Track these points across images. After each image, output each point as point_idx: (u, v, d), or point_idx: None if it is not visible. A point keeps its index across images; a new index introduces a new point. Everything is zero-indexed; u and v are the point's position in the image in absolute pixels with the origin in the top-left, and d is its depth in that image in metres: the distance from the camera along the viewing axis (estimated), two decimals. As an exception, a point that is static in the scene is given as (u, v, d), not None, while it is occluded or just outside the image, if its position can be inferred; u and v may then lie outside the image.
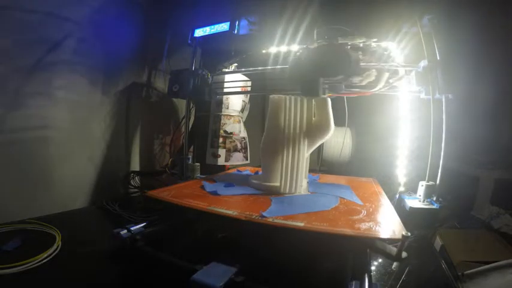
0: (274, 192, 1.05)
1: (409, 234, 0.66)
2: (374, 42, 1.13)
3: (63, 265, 0.84)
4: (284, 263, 0.77)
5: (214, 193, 1.02)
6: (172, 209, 0.92)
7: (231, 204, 0.90)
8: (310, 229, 0.71)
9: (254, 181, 1.15)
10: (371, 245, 0.73)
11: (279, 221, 0.75)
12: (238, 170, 1.61)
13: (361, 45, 1.13)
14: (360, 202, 0.98)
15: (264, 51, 1.44)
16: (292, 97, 1.09)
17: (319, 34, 1.15)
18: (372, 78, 1.10)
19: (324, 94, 1.06)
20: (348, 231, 0.70)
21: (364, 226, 0.73)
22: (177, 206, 0.90)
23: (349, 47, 1.09)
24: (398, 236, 0.67)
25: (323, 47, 1.06)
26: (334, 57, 1.00)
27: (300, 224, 0.72)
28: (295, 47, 1.36)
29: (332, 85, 1.08)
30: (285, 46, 1.40)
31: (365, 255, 0.73)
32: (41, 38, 1.25)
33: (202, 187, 1.11)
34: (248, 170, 1.58)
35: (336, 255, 0.75)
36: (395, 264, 0.91)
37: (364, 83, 1.11)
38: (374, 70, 1.10)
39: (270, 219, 0.75)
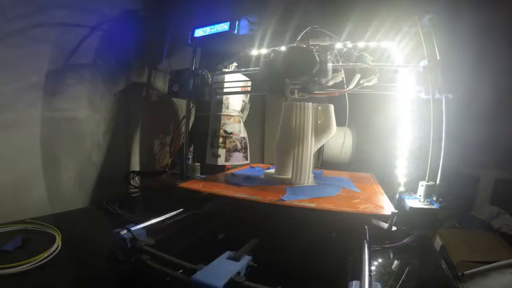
0: (287, 183, 1.22)
1: (396, 211, 0.83)
2: (346, 43, 1.16)
3: (63, 265, 0.84)
4: (285, 263, 0.78)
5: (237, 184, 1.18)
6: (202, 198, 1.08)
7: (253, 192, 1.06)
8: (320, 208, 0.88)
9: (269, 174, 1.34)
10: (368, 221, 0.92)
11: (296, 203, 0.92)
12: (251, 167, 1.75)
13: (350, 46, 1.15)
14: (358, 190, 1.15)
15: (264, 51, 1.44)
16: (302, 103, 1.25)
17: (304, 36, 1.17)
18: (339, 79, 1.15)
19: (293, 94, 1.13)
20: (349, 209, 0.88)
21: (362, 206, 0.91)
22: (211, 194, 1.07)
23: (315, 48, 1.11)
24: (388, 213, 0.84)
25: (290, 48, 1.13)
26: (300, 58, 1.08)
27: (312, 205, 0.90)
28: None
29: (304, 85, 1.12)
30: (283, 46, 1.40)
31: (364, 254, 0.73)
32: (44, 39, 1.26)
33: (225, 180, 1.30)
34: (260, 167, 1.74)
35: (341, 233, 0.90)
36: (395, 264, 0.92)
37: (330, 84, 1.13)
38: (342, 71, 1.15)
39: (288, 202, 0.93)
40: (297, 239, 0.88)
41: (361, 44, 1.19)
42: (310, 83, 1.10)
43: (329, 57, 1.11)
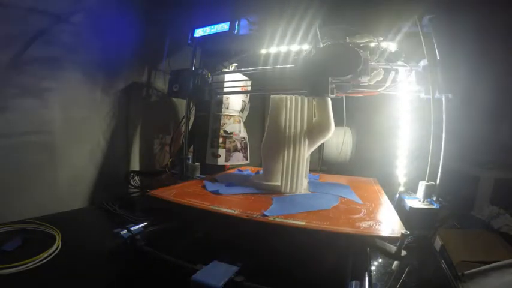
0: (275, 191, 1.07)
1: (408, 232, 0.67)
2: (380, 41, 1.13)
3: (63, 265, 0.84)
4: (284, 263, 0.77)
5: (216, 192, 1.03)
6: (174, 208, 0.92)
7: (232, 203, 0.91)
8: (311, 228, 0.72)
9: (255, 181, 1.16)
10: (371, 244, 0.74)
11: (280, 220, 0.76)
12: (239, 170, 1.62)
13: (372, 44, 1.13)
14: (359, 201, 0.99)
15: (263, 51, 1.44)
16: (293, 97, 1.09)
17: (324, 33, 1.14)
18: (380, 77, 1.11)
19: (333, 94, 1.07)
20: (348, 229, 0.71)
21: (364, 225, 0.74)
22: (179, 205, 0.90)
23: (361, 45, 1.10)
24: (397, 234, 0.68)
25: (332, 46, 1.06)
26: (344, 56, 1.01)
27: (301, 223, 0.73)
28: (295, 47, 1.36)
29: (339, 85, 1.08)
30: (285, 46, 1.40)
31: (365, 254, 0.73)
32: (43, 38, 1.25)
33: (204, 186, 1.12)
34: (249, 170, 1.60)
35: (335, 254, 0.75)
36: (395, 264, 0.91)
37: (372, 83, 1.11)
38: (381, 69, 1.11)
39: (271, 218, 0.77)
40: (282, 257, 0.75)
41: (384, 44, 1.17)
42: (352, 82, 1.05)
43: (369, 55, 1.06)
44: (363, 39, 1.12)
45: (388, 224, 0.76)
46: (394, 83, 1.13)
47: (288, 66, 1.34)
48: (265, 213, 0.80)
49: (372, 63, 1.10)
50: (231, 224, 0.82)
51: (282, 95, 1.11)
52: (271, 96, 1.14)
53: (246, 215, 0.79)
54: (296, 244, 0.74)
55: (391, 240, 0.70)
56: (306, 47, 1.30)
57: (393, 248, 0.69)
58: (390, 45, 1.18)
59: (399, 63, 1.19)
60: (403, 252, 0.68)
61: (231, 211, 0.82)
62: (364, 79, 1.07)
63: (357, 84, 1.12)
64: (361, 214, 0.84)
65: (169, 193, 1.00)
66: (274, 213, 0.81)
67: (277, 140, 1.10)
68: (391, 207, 0.94)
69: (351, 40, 1.11)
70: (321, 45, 1.11)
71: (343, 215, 0.84)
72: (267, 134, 1.15)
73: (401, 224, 0.75)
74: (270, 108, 1.14)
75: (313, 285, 0.73)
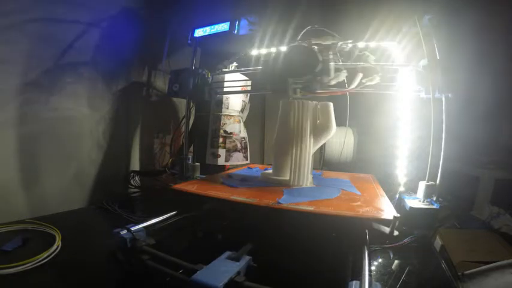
0: (284, 185, 1.18)
1: (398, 215, 0.79)
2: (348, 43, 1.16)
3: (63, 265, 0.84)
4: (285, 263, 0.78)
5: (233, 186, 1.15)
6: (198, 199, 1.02)
7: (249, 194, 1.02)
8: (318, 212, 0.84)
9: (267, 175, 1.29)
10: (368, 225, 0.86)
11: (293, 206, 0.88)
12: (249, 168, 1.69)
13: (350, 46, 1.15)
14: (358, 193, 1.11)
15: (264, 51, 1.44)
16: (300, 101, 1.20)
17: (305, 35, 1.16)
18: (342, 78, 1.14)
19: (296, 93, 1.13)
20: (349, 213, 0.84)
21: (362, 210, 0.86)
22: (204, 196, 1.02)
23: (316, 47, 1.11)
24: (390, 217, 0.80)
25: (292, 47, 1.12)
26: (302, 57, 1.07)
27: (310, 208, 0.86)
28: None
29: (306, 85, 1.12)
30: (285, 46, 1.40)
31: (364, 254, 0.73)
32: (43, 37, 1.26)
33: (221, 182, 1.23)
34: (258, 167, 1.68)
35: (339, 236, 0.85)
36: (395, 264, 0.91)
37: (333, 83, 1.13)
38: (344, 71, 1.14)
39: (285, 205, 0.89)
40: (294, 242, 0.85)
41: (361, 44, 1.19)
42: (312, 82, 1.09)
43: (331, 56, 1.10)
44: (328, 40, 1.13)
45: (382, 209, 0.88)
46: (361, 84, 1.14)
47: (258, 68, 1.39)
48: (280, 201, 0.92)
49: (333, 64, 1.12)
50: (251, 211, 0.92)
51: (291, 100, 1.22)
52: (281, 101, 1.26)
53: (264, 203, 0.91)
54: (306, 227, 0.85)
55: (385, 222, 0.82)
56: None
57: (387, 229, 0.81)
58: (369, 46, 1.19)
59: (399, 63, 1.20)
60: (396, 232, 0.81)
61: (250, 200, 0.94)
62: (325, 79, 1.09)
63: (322, 84, 1.13)
64: (359, 202, 0.96)
65: (192, 187, 1.12)
66: (287, 201, 0.92)
67: (286, 139, 1.21)
68: (385, 197, 1.04)
69: (316, 41, 1.13)
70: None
71: (345, 203, 0.95)
72: (277, 134, 1.27)
73: (394, 209, 0.88)
74: (280, 111, 1.27)
75: (313, 285, 0.73)
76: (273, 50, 1.43)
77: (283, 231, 0.87)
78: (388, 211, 0.86)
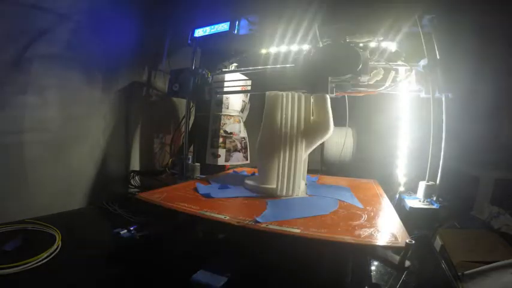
0: (271, 194, 1.01)
1: (413, 242, 0.61)
2: (380, 40, 1.14)
3: (63, 265, 0.84)
4: (284, 263, 0.77)
5: (208, 196, 0.97)
6: (164, 212, 0.87)
7: (224, 207, 0.87)
8: (306, 236, 0.66)
9: (250, 183, 1.10)
10: (372, 253, 0.70)
11: (274, 227, 0.70)
12: (235, 171, 1.58)
13: (372, 44, 1.14)
14: (360, 205, 0.94)
15: (264, 51, 1.44)
16: (290, 94, 1.04)
17: (323, 33, 1.15)
18: (380, 77, 1.12)
19: (333, 93, 1.07)
20: (347, 238, 0.65)
21: (364, 232, 0.69)
22: (167, 209, 0.85)
23: (361, 45, 1.10)
24: (401, 243, 0.62)
25: (332, 45, 1.06)
26: (344, 56, 1.02)
27: (296, 231, 0.68)
28: (295, 47, 1.36)
29: (339, 84, 1.09)
30: (285, 46, 1.40)
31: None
32: (43, 36, 1.25)
33: (196, 189, 1.07)
34: (245, 171, 1.55)
35: (334, 264, 0.72)
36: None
37: (371, 82, 1.12)
38: (381, 69, 1.11)
39: (264, 225, 0.71)
40: (281, 263, 0.72)
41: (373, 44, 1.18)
42: (352, 80, 1.06)
43: (369, 55, 1.07)
44: (363, 38, 1.12)
45: (390, 231, 0.70)
46: (394, 82, 1.13)
47: (288, 65, 1.34)
48: (258, 219, 0.73)
49: (372, 63, 1.11)
50: (222, 230, 0.78)
51: (278, 92, 1.05)
52: (267, 93, 1.08)
53: (237, 221, 0.73)
54: (291, 253, 0.70)
55: (393, 249, 0.64)
56: (306, 47, 1.31)
57: (396, 258, 0.63)
58: (390, 45, 1.18)
59: (399, 62, 1.19)
60: (407, 263, 0.62)
61: (221, 216, 0.76)
62: (364, 78, 1.08)
63: (357, 84, 1.13)
64: (361, 220, 0.79)
65: (159, 196, 0.95)
66: (268, 219, 0.75)
67: (273, 139, 1.03)
68: (394, 213, 0.88)
69: (351, 39, 1.11)
70: (321, 45, 1.11)
71: (343, 221, 0.78)
72: (262, 133, 1.08)
73: (405, 231, 0.69)
74: (265, 105, 1.07)
75: (313, 285, 0.73)
76: (272, 50, 1.43)
77: (264, 254, 0.73)
78: (399, 234, 0.68)
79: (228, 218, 0.76)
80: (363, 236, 0.67)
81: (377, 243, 0.64)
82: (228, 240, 0.81)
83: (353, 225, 0.74)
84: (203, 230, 0.93)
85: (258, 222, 0.72)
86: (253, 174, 1.37)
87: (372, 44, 1.14)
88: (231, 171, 1.62)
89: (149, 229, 0.88)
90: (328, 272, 0.72)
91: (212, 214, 0.78)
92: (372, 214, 0.85)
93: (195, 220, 0.80)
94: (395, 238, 0.65)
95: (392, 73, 1.11)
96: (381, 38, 1.15)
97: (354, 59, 1.00)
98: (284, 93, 1.04)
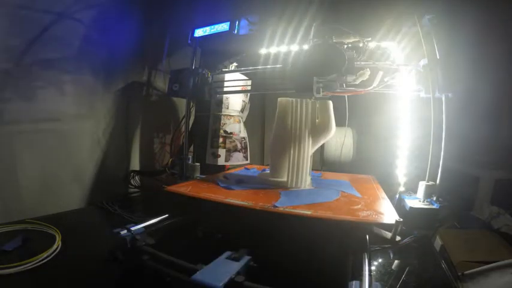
0: (282, 186, 1.15)
1: (401, 219, 0.76)
2: (368, 41, 1.15)
3: (63, 265, 0.84)
4: (284, 263, 0.78)
5: (229, 188, 1.11)
6: (191, 202, 0.99)
7: (244, 197, 1.00)
8: (316, 216, 0.81)
9: (263, 177, 1.25)
10: (369, 230, 0.82)
11: (290, 210, 0.85)
12: (246, 168, 1.67)
13: (360, 44, 1.14)
14: (358, 195, 1.08)
15: (264, 51, 1.44)
16: (299, 100, 1.18)
17: (316, 33, 1.15)
18: (366, 77, 1.13)
19: (319, 93, 1.10)
20: (349, 217, 0.81)
21: (362, 214, 0.84)
22: (196, 199, 0.99)
23: (345, 46, 1.11)
24: (392, 221, 0.77)
25: (317, 46, 1.09)
26: (328, 56, 1.05)
27: (308, 212, 0.83)
28: (295, 47, 1.36)
29: (327, 84, 1.10)
30: (285, 46, 1.40)
31: (365, 254, 0.73)
32: (43, 36, 1.26)
33: (217, 183, 1.20)
34: (255, 168, 1.66)
35: (338, 242, 0.81)
36: (395, 264, 0.91)
37: (357, 82, 1.12)
38: (367, 69, 1.12)
39: (281, 209, 0.86)
40: (293, 244, 0.82)
41: (384, 43, 1.19)
42: (337, 81, 1.07)
43: (355, 55, 1.08)
44: (349, 39, 1.13)
45: (383, 213, 0.85)
46: (382, 83, 1.13)
47: (278, 66, 1.38)
48: (276, 204, 0.89)
49: (358, 63, 1.12)
50: (245, 215, 0.89)
51: (289, 98, 1.19)
52: (279, 99, 1.21)
53: (259, 206, 0.88)
54: (303, 232, 0.82)
55: (386, 227, 0.79)
56: (306, 47, 1.31)
57: (389, 234, 0.78)
58: (388, 46, 1.18)
59: (399, 62, 1.19)
60: (398, 238, 0.77)
61: (245, 203, 0.91)
62: (350, 78, 1.09)
63: (347, 83, 1.13)
64: (360, 205, 0.92)
65: (185, 189, 1.08)
66: (284, 204, 0.89)
67: (284, 139, 1.18)
68: (387, 200, 1.01)
69: (338, 40, 1.12)
70: (308, 46, 1.13)
71: (344, 206, 0.92)
72: (275, 133, 1.23)
73: (396, 213, 0.84)
74: (277, 110, 1.22)
75: (313, 285, 0.73)
76: (272, 50, 1.43)
77: (280, 235, 0.85)
78: (390, 215, 0.83)
79: (251, 204, 0.91)
80: (361, 216, 0.82)
81: (373, 221, 0.80)
82: (248, 225, 0.88)
83: (353, 209, 0.89)
84: (203, 230, 1.00)
85: (276, 206, 0.88)
86: (263, 170, 1.48)
87: (360, 44, 1.15)
88: (242, 168, 1.71)
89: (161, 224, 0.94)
90: (329, 272, 0.74)
91: (237, 202, 0.93)
92: (368, 201, 0.99)
93: (221, 208, 0.93)
94: (387, 217, 0.81)
95: (380, 73, 1.12)
96: (369, 39, 1.16)
97: (338, 59, 1.04)
98: (294, 100, 1.18)
